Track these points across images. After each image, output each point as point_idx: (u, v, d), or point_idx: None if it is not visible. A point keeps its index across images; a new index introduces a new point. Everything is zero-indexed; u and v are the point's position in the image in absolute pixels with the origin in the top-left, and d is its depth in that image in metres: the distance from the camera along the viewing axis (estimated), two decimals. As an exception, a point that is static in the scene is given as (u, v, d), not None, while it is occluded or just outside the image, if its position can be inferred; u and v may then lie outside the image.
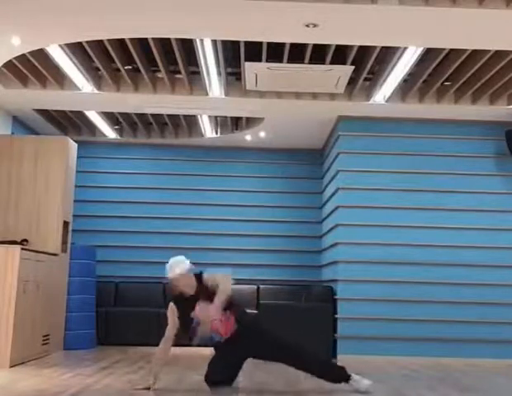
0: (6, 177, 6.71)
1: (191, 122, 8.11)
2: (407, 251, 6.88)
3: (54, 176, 6.72)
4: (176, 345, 7.15)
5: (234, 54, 5.89)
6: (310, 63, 5.67)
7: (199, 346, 4.33)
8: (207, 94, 6.54)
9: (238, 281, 4.67)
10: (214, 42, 5.39)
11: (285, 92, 6.56)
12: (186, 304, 4.30)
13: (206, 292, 4.28)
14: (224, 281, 4.28)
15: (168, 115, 7.68)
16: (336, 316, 6.77)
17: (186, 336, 4.34)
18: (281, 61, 5.65)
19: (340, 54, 5.64)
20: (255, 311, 6.83)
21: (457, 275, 6.82)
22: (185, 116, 7.72)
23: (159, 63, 5.88)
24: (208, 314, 4.14)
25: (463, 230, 6.93)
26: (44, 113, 7.45)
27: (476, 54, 5.58)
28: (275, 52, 5.53)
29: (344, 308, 6.77)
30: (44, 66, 5.99)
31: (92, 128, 8.30)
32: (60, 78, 6.42)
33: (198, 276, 4.46)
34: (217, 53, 5.59)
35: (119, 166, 8.53)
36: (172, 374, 4.88)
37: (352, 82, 6.35)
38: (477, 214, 6.97)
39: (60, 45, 5.43)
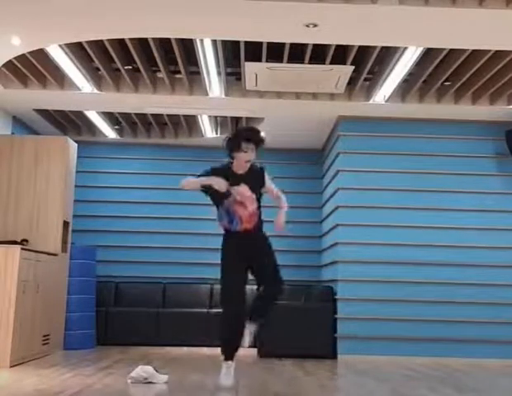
0: (6, 177, 6.71)
1: (191, 122, 8.10)
2: (407, 251, 6.87)
3: (54, 176, 6.72)
4: (179, 345, 7.22)
5: (234, 54, 5.89)
6: (310, 63, 5.67)
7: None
8: (207, 94, 6.54)
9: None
10: (214, 42, 5.39)
11: (285, 92, 6.56)
12: (233, 178, 4.32)
13: (253, 180, 4.35)
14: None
15: (168, 115, 7.68)
16: (336, 316, 6.77)
17: (216, 201, 4.37)
18: (281, 61, 5.64)
19: (340, 54, 5.64)
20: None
21: (456, 275, 6.82)
22: (185, 116, 7.72)
23: (159, 63, 5.88)
24: (245, 195, 4.19)
25: (463, 230, 6.93)
26: (44, 113, 7.45)
27: (476, 54, 5.58)
28: (275, 52, 5.53)
29: (344, 308, 6.76)
30: (44, 66, 5.99)
31: (92, 128, 8.30)
32: (60, 78, 6.41)
33: (255, 165, 4.49)
34: (217, 53, 5.59)
35: (119, 166, 8.53)
36: (172, 373, 4.87)
37: (352, 82, 6.35)
38: (477, 214, 6.97)
39: (60, 45, 5.42)
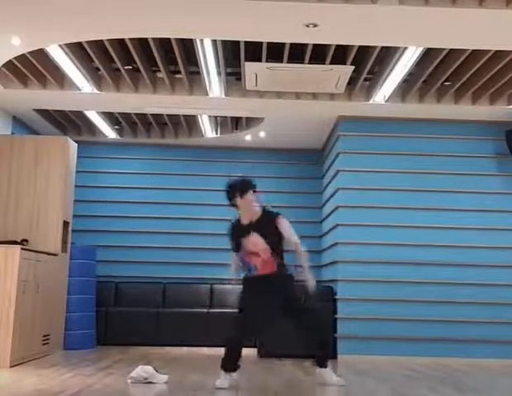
0: (6, 177, 6.71)
1: (191, 122, 8.11)
2: (407, 251, 6.87)
3: (54, 176, 6.72)
4: (179, 345, 7.23)
5: (234, 54, 5.89)
6: (310, 63, 5.67)
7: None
8: (207, 94, 6.54)
9: (238, 281, 4.74)
10: (214, 42, 5.39)
11: (285, 92, 6.56)
12: (241, 230, 4.54)
13: (263, 226, 4.46)
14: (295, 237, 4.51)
15: (168, 115, 7.68)
16: (336, 316, 6.77)
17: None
18: (281, 61, 5.64)
19: (340, 54, 5.64)
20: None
21: (456, 275, 6.82)
22: (185, 116, 7.72)
23: (159, 63, 5.88)
24: (257, 244, 4.37)
25: (463, 230, 6.93)
26: (44, 113, 7.45)
27: (476, 54, 5.58)
28: (275, 52, 5.53)
29: (344, 308, 6.76)
30: (44, 66, 5.99)
31: (92, 128, 8.30)
32: (60, 78, 6.42)
33: (269, 211, 4.61)
34: (217, 53, 5.59)
35: (119, 166, 8.53)
36: (172, 373, 4.87)
37: (352, 82, 6.35)
38: (477, 214, 6.97)
39: (60, 45, 5.42)
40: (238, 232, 4.56)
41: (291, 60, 5.66)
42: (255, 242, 4.40)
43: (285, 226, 4.51)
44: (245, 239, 4.45)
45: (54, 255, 6.44)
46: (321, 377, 4.62)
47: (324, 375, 4.61)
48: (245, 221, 4.57)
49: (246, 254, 4.45)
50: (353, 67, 5.73)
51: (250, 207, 4.54)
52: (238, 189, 4.54)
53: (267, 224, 4.49)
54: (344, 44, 5.43)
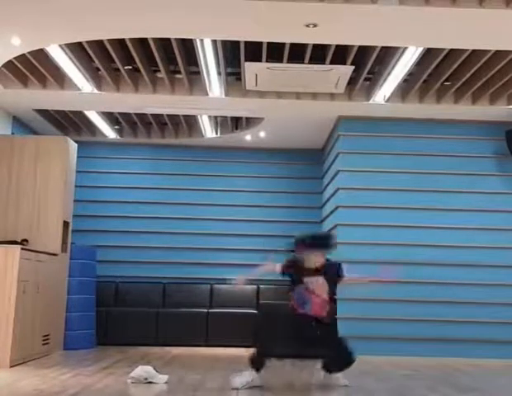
0: (6, 177, 6.71)
1: (191, 122, 8.11)
2: (407, 251, 6.87)
3: (54, 176, 6.72)
4: (179, 345, 7.23)
5: (234, 54, 5.89)
6: (310, 63, 5.67)
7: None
8: (207, 94, 6.54)
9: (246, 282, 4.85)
10: (214, 42, 5.39)
11: (285, 92, 6.56)
12: (304, 270, 4.59)
13: (329, 276, 4.61)
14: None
15: (168, 115, 7.68)
16: (336, 316, 6.76)
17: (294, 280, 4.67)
18: (281, 61, 5.64)
19: (340, 54, 5.64)
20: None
21: (456, 275, 6.82)
22: (185, 116, 7.72)
23: (159, 63, 5.88)
24: (319, 288, 4.49)
25: (463, 230, 6.93)
26: (44, 113, 7.45)
27: (476, 54, 5.58)
28: (275, 52, 5.53)
29: (344, 308, 6.76)
30: (44, 66, 5.99)
31: (92, 128, 8.30)
32: (60, 78, 6.42)
33: (333, 263, 4.79)
34: (217, 53, 5.59)
35: (119, 166, 8.53)
36: (172, 373, 4.87)
37: (352, 82, 6.35)
38: (477, 214, 6.97)
39: (60, 45, 5.43)
40: (302, 269, 4.60)
41: (291, 60, 5.66)
42: (320, 285, 4.52)
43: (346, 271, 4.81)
44: (311, 279, 4.53)
45: (54, 255, 6.44)
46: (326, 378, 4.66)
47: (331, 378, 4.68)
48: (309, 264, 4.61)
49: (304, 290, 4.52)
50: (353, 67, 5.73)
51: (316, 258, 4.64)
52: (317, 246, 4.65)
53: (331, 273, 4.66)
54: (344, 44, 5.43)
